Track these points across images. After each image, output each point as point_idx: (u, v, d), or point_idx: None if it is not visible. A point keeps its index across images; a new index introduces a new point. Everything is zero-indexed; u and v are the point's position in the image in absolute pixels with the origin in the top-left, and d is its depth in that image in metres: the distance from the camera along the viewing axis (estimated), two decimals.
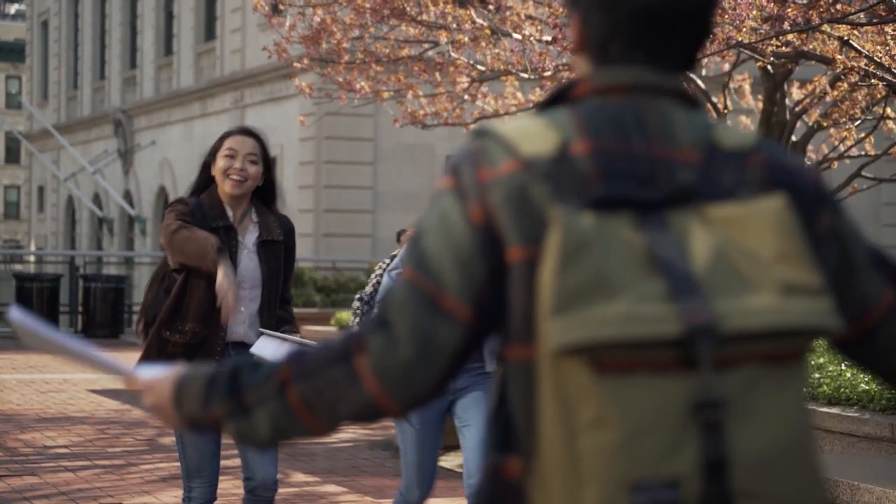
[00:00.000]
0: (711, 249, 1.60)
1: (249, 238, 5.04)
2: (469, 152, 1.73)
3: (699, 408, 1.54)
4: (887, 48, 7.68)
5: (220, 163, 5.01)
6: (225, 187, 5.01)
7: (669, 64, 1.77)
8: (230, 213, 5.03)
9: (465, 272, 1.68)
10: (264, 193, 5.16)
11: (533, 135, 1.71)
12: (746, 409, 1.56)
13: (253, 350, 4.72)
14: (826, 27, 7.75)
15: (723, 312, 1.56)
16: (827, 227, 1.77)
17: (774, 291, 1.58)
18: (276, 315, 5.06)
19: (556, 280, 1.57)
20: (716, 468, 1.53)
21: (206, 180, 5.11)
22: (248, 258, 5.00)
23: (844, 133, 11.66)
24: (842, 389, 7.29)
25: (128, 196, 34.51)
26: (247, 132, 5.10)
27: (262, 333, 4.83)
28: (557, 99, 1.78)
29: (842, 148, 12.40)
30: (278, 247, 5.06)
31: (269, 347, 4.65)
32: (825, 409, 7.19)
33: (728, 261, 1.60)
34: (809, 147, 13.04)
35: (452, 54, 11.96)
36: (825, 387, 7.39)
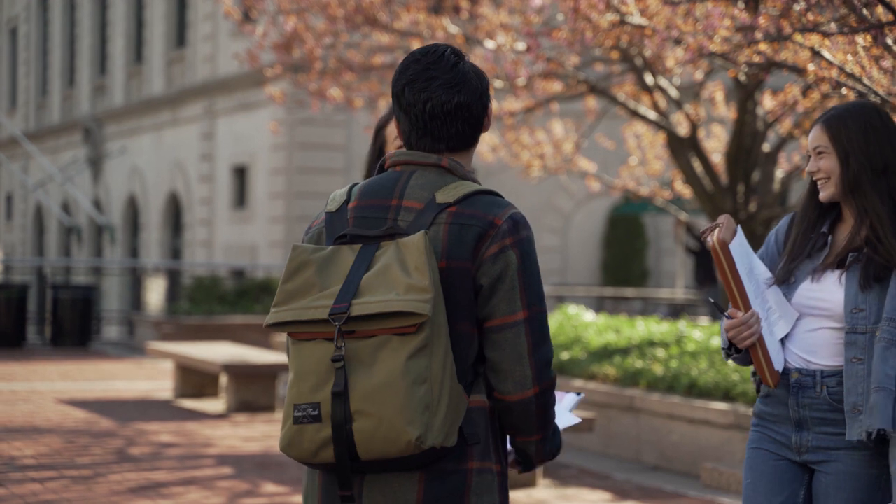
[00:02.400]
0: (382, 265, 2.65)
1: None
2: None
3: (333, 361, 2.61)
4: (858, 58, 7.70)
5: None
6: None
7: (443, 145, 2.81)
8: None
9: None
10: None
11: (336, 197, 2.85)
12: (369, 362, 2.60)
13: None
14: (798, 37, 7.77)
15: (356, 304, 2.61)
16: (494, 252, 2.71)
17: (401, 290, 2.60)
18: None
19: (280, 286, 2.71)
20: (340, 396, 2.60)
21: None
22: None
23: None
24: None
25: (97, 204, 34.33)
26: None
27: None
28: (382, 167, 2.87)
29: None
30: None
31: None
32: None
33: (387, 273, 2.64)
34: (781, 156, 13.08)
35: None
36: None
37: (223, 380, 13.27)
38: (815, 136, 3.62)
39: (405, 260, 2.64)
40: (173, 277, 24.75)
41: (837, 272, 3.57)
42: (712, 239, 3.49)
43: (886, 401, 3.42)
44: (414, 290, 2.60)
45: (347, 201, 2.82)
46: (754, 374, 3.64)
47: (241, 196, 26.74)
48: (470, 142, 2.84)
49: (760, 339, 3.53)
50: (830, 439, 3.54)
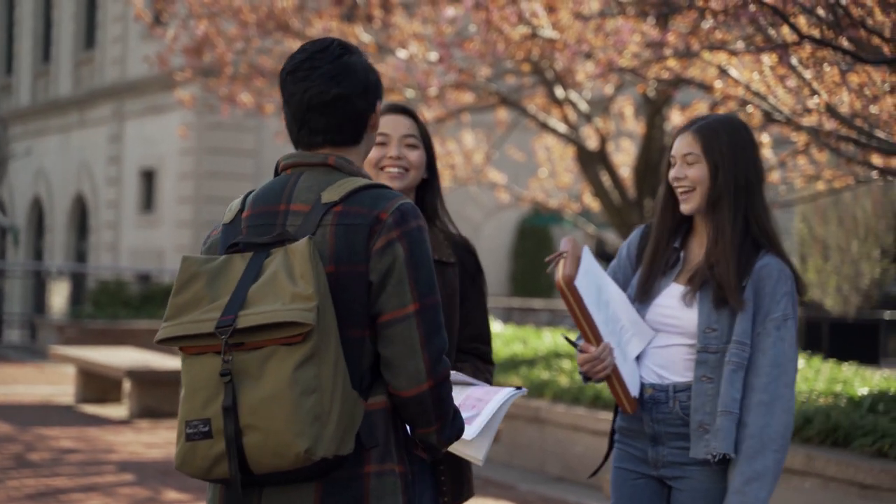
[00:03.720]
0: (270, 274, 2.58)
1: None
2: None
3: (222, 375, 2.54)
4: (763, 77, 7.82)
5: (372, 153, 3.75)
6: (382, 181, 3.84)
7: (320, 138, 2.73)
8: None
9: None
10: (424, 193, 3.78)
11: (232, 208, 2.78)
12: (257, 374, 2.53)
13: None
14: (705, 54, 7.88)
15: (242, 316, 2.54)
16: (381, 246, 2.63)
17: (286, 300, 2.54)
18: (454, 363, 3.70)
19: (171, 300, 2.63)
20: (229, 411, 2.53)
21: None
22: None
23: None
24: None
25: (1, 205, 33.76)
26: (399, 109, 3.86)
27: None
28: (276, 171, 2.80)
29: None
30: (448, 270, 3.64)
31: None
32: None
33: (274, 282, 2.56)
34: None
35: None
36: None
37: (126, 385, 13.12)
38: (687, 143, 3.56)
39: (292, 267, 2.58)
40: (78, 281, 24.41)
41: (689, 289, 3.56)
42: (557, 277, 3.43)
43: (731, 425, 3.45)
44: (299, 298, 2.53)
45: (241, 210, 2.76)
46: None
47: (148, 200, 26.46)
48: (353, 138, 2.76)
49: (615, 370, 3.51)
50: (683, 454, 3.55)
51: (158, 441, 10.89)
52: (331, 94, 2.71)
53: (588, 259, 3.51)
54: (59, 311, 22.31)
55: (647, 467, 3.63)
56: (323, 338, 2.54)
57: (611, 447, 3.76)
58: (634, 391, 3.57)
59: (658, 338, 3.60)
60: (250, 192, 2.79)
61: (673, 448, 3.57)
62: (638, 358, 3.63)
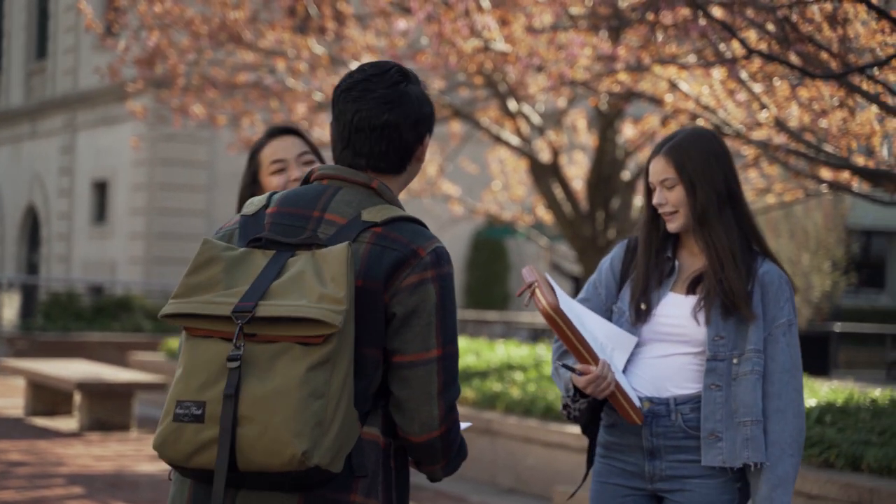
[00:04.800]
0: (296, 272, 2.50)
1: None
2: None
3: (229, 360, 2.44)
4: (713, 91, 7.89)
5: (274, 181, 3.98)
6: None
7: (363, 162, 2.68)
8: None
9: None
10: None
11: (253, 202, 2.72)
12: (266, 367, 2.44)
13: None
14: (656, 68, 7.93)
15: (262, 306, 2.45)
16: (413, 282, 2.56)
17: (313, 298, 2.45)
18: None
19: (183, 279, 2.53)
20: (230, 399, 2.43)
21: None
22: None
23: None
24: None
25: None
26: (286, 131, 4.03)
27: None
28: (307, 179, 2.74)
29: None
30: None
31: None
32: None
33: (300, 280, 2.49)
34: (640, 184, 13.30)
35: (290, 81, 11.90)
36: None
37: (77, 398, 13.03)
38: (660, 168, 3.58)
39: (321, 270, 2.49)
40: (29, 293, 24.20)
41: (692, 298, 3.57)
42: (542, 306, 3.42)
43: (760, 433, 3.47)
44: (327, 299, 2.44)
45: (266, 206, 2.67)
46: (564, 406, 3.60)
47: (101, 211, 26.29)
48: (396, 167, 2.69)
49: (617, 385, 3.51)
50: (685, 467, 3.54)
51: (109, 454, 10.81)
52: (381, 121, 2.65)
53: (557, 287, 3.51)
54: (10, 324, 22.11)
55: (640, 482, 3.60)
56: (342, 345, 2.46)
57: (590, 464, 3.71)
58: (637, 402, 3.56)
59: (655, 348, 3.60)
60: (274, 193, 2.72)
61: (673, 461, 3.55)
62: (625, 369, 3.62)
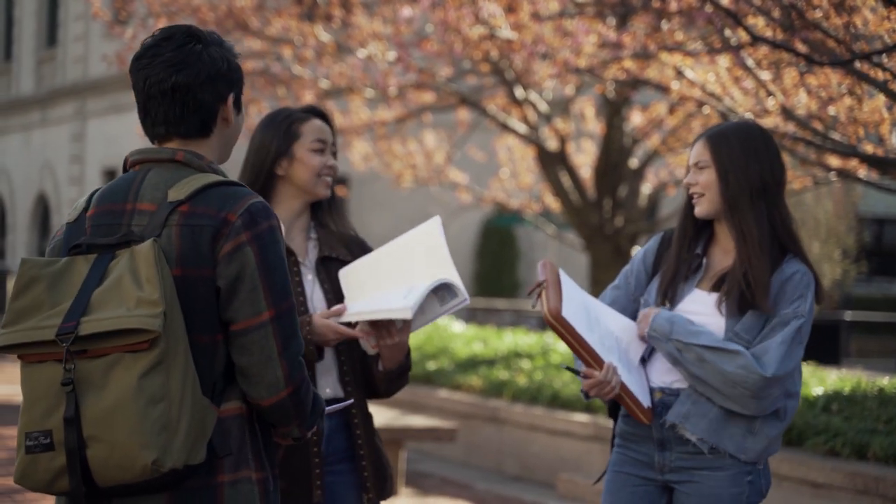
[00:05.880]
0: (115, 278, 2.46)
1: (311, 259, 3.71)
2: None
3: (63, 384, 2.42)
4: (719, 78, 7.85)
5: (315, 159, 3.67)
6: (318, 190, 3.69)
7: (163, 129, 2.61)
8: (283, 227, 3.61)
9: None
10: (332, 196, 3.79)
11: (77, 206, 2.63)
12: (101, 383, 2.42)
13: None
14: (662, 55, 7.89)
15: (84, 322, 2.42)
16: (229, 251, 2.51)
17: (131, 305, 2.42)
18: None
19: (9, 305, 2.49)
20: (71, 422, 2.41)
21: (265, 183, 3.68)
22: (312, 285, 3.68)
23: (681, 159, 11.88)
24: None
25: None
26: (324, 115, 3.79)
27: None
28: (124, 168, 2.66)
29: (679, 174, 12.64)
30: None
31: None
32: None
33: (119, 286, 2.45)
34: (648, 171, 13.27)
35: (296, 69, 11.88)
36: None
37: None
38: (697, 151, 3.62)
39: (138, 270, 2.46)
40: None
41: (715, 295, 3.58)
42: (544, 311, 3.45)
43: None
44: (144, 303, 2.42)
45: (86, 209, 2.61)
46: (583, 390, 3.61)
47: None
48: (199, 130, 2.62)
49: (623, 387, 3.52)
50: (693, 459, 3.56)
51: None
52: (170, 83, 2.58)
53: (566, 281, 3.53)
54: None
55: (651, 472, 3.62)
56: (171, 344, 2.44)
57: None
58: (646, 401, 3.58)
59: None
60: (97, 190, 2.66)
61: (682, 453, 3.57)
62: (644, 360, 3.64)
